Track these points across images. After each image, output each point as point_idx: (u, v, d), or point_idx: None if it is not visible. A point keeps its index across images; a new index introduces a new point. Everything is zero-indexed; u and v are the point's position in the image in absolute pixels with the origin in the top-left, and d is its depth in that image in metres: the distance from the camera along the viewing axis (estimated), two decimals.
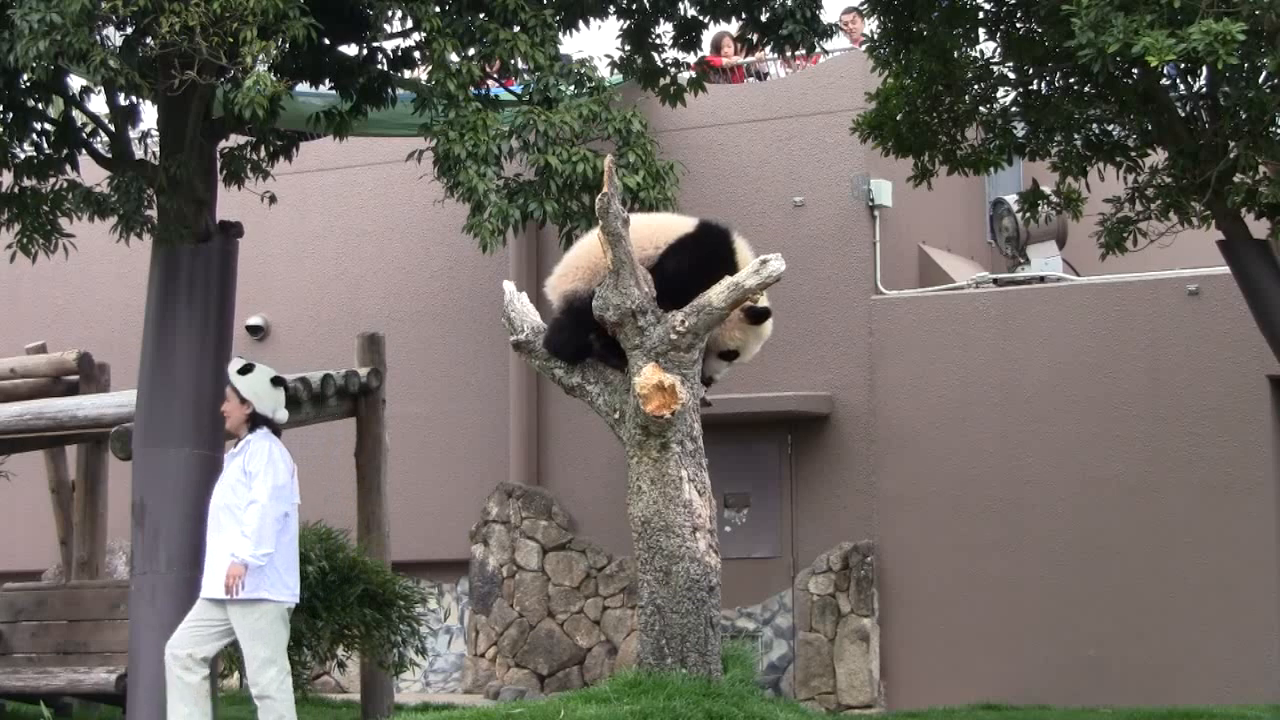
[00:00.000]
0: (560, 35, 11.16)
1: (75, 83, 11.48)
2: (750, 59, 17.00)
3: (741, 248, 8.92)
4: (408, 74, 11.72)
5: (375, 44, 11.46)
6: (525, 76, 10.85)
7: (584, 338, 9.02)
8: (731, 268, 8.77)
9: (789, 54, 12.26)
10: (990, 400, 15.64)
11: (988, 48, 12.48)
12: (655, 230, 9.06)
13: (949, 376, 15.78)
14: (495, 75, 11.10)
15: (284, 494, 9.80)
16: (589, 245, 9.04)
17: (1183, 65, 10.91)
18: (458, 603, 17.82)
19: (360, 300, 18.08)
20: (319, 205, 18.35)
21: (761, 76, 17.72)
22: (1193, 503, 14.90)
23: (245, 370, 10.04)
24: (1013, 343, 15.66)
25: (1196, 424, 14.96)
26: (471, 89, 10.60)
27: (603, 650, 16.74)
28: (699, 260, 8.86)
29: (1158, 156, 12.22)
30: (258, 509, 9.66)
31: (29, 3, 9.47)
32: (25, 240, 11.54)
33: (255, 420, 9.96)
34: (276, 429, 10.02)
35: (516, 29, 10.63)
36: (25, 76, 10.40)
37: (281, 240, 18.15)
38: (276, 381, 10.06)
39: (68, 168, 11.59)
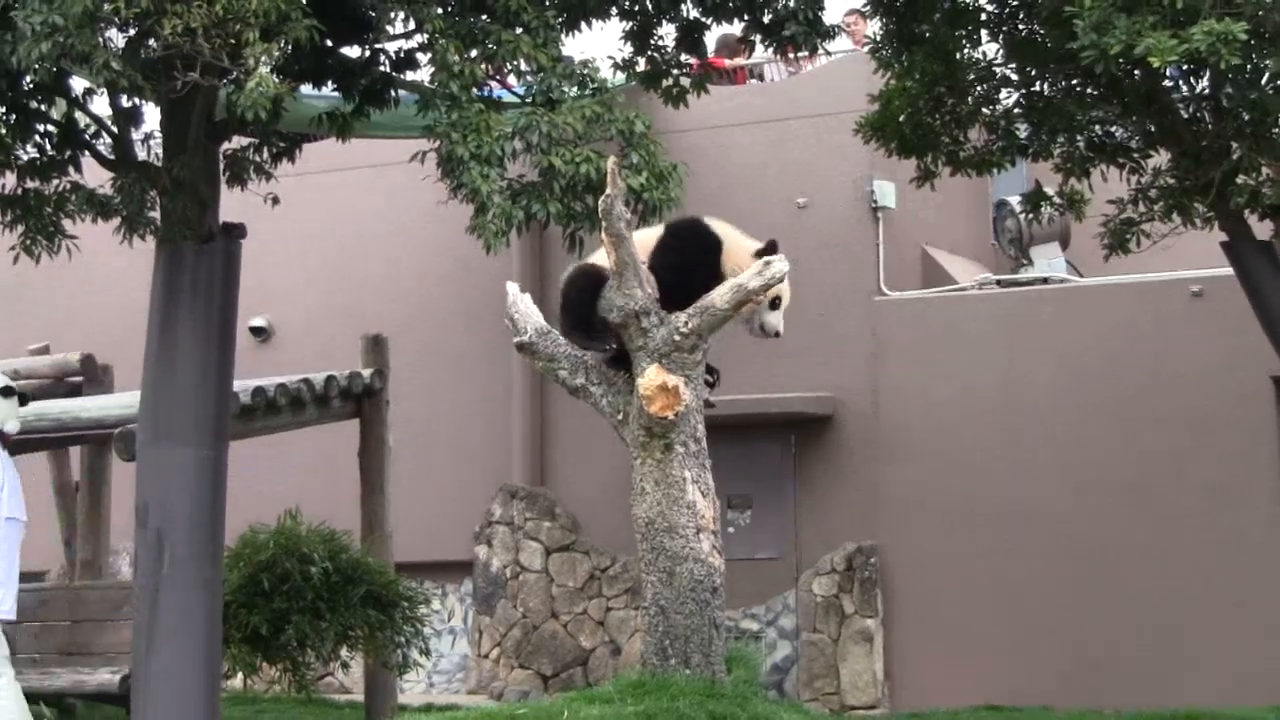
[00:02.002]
0: (563, 37, 11.16)
1: (78, 84, 11.47)
2: (749, 60, 17.00)
3: (718, 225, 9.01)
4: (410, 75, 11.72)
5: (378, 45, 11.46)
6: (528, 78, 10.85)
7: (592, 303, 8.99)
8: (717, 245, 8.83)
9: (792, 55, 12.25)
10: (994, 401, 15.64)
11: (990, 49, 12.49)
12: (640, 244, 9.08)
13: (952, 378, 15.78)
14: (496, 76, 11.09)
15: None
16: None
17: (1185, 66, 10.91)
18: (461, 603, 17.83)
19: (364, 301, 18.09)
20: (322, 207, 18.36)
21: (757, 76, 17.72)
22: (1196, 504, 14.90)
23: None
24: (1016, 344, 15.66)
25: (1200, 425, 14.96)
26: (474, 90, 10.60)
27: (606, 651, 16.75)
28: (685, 248, 8.90)
29: (1160, 158, 12.22)
30: None
31: (31, 4, 9.47)
32: (29, 242, 11.54)
33: None
34: (6, 440, 9.95)
35: (519, 30, 10.63)
36: (28, 78, 10.39)
37: (285, 242, 18.15)
38: (7, 392, 9.98)
39: (71, 169, 11.59)
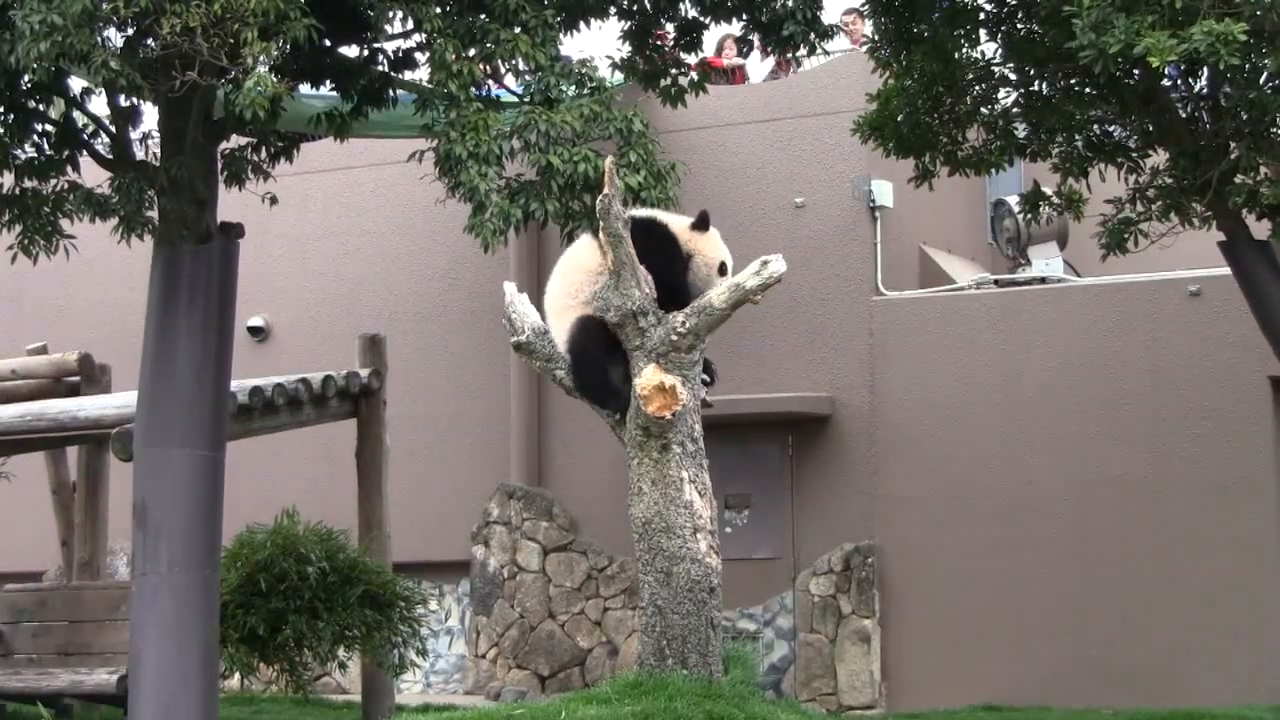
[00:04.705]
0: (561, 36, 11.16)
1: (76, 84, 11.48)
2: (742, 60, 16.99)
3: (666, 216, 9.13)
4: (409, 75, 11.73)
5: (376, 45, 11.46)
6: (527, 77, 10.86)
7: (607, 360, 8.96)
8: (670, 236, 8.90)
9: (789, 55, 12.25)
10: (991, 401, 15.64)
11: (989, 49, 12.49)
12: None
13: (950, 377, 15.78)
14: (490, 76, 11.10)
15: None
16: (576, 265, 9.03)
17: (1184, 66, 10.93)
18: (459, 604, 17.82)
19: (361, 301, 18.09)
20: (320, 206, 18.36)
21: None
22: (1194, 503, 14.89)
23: None
24: (1014, 344, 15.66)
25: (1198, 425, 14.96)
26: (473, 89, 10.60)
27: (604, 651, 16.74)
28: (649, 245, 8.91)
29: (1159, 157, 12.22)
30: None
31: (30, 4, 9.47)
32: (27, 241, 11.54)
33: None
34: None
35: (517, 30, 10.64)
36: (26, 78, 10.39)
37: (282, 241, 18.16)
38: None
39: (69, 169, 11.59)
